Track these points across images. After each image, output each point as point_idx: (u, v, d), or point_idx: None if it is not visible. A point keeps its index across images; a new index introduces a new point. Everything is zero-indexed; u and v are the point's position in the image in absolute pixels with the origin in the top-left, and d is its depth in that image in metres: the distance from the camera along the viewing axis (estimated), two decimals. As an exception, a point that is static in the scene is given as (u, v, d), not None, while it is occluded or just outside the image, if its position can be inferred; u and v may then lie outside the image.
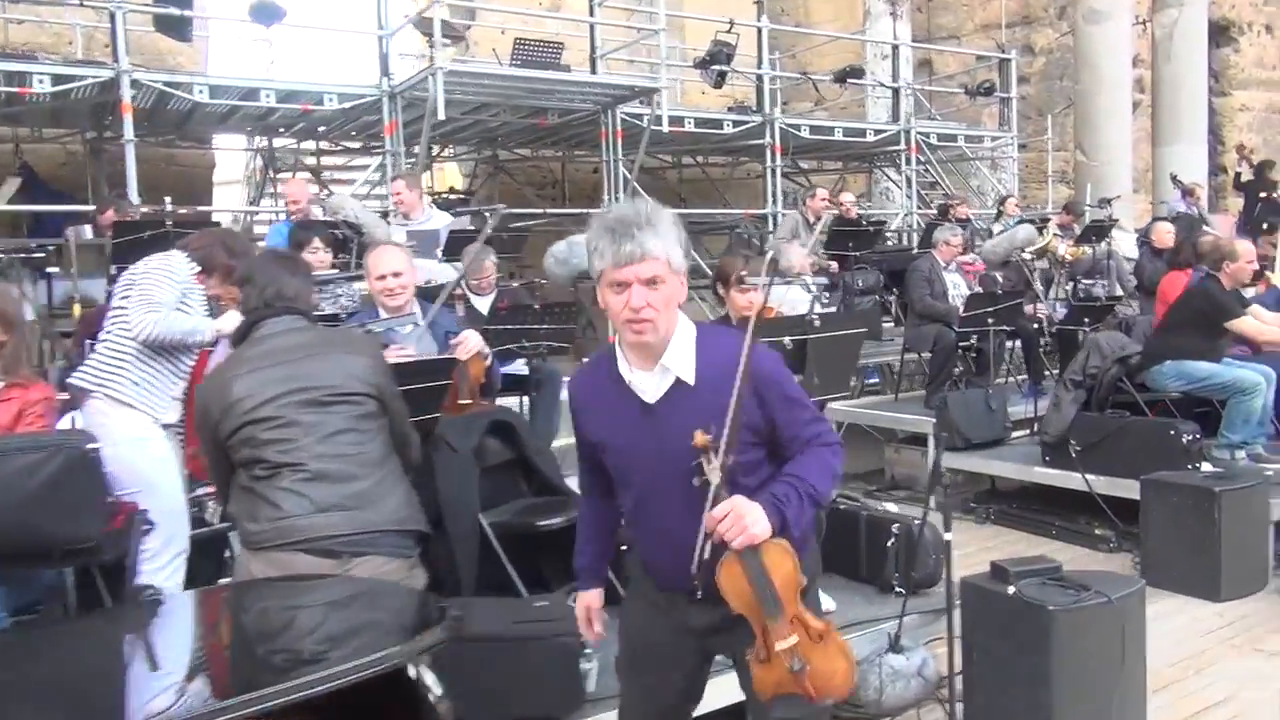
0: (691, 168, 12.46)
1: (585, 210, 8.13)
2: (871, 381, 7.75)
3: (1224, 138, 17.70)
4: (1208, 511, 4.13)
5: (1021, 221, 8.69)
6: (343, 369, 2.37)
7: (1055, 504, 5.42)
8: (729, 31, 9.37)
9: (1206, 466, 4.81)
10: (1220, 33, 17.52)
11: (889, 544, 3.48)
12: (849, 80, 10.30)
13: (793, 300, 5.47)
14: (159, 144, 10.18)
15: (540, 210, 9.74)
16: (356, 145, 10.48)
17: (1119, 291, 8.19)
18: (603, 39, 8.74)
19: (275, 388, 2.28)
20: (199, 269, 3.11)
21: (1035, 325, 6.76)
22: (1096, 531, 5.00)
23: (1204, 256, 5.41)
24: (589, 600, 2.13)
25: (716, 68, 9.32)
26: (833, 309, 6.55)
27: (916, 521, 3.46)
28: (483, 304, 5.08)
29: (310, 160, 11.22)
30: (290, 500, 2.19)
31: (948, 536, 3.01)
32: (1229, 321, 4.81)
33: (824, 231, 7.51)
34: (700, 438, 1.75)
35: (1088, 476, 4.98)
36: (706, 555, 1.79)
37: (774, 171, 9.75)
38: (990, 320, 6.03)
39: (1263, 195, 10.02)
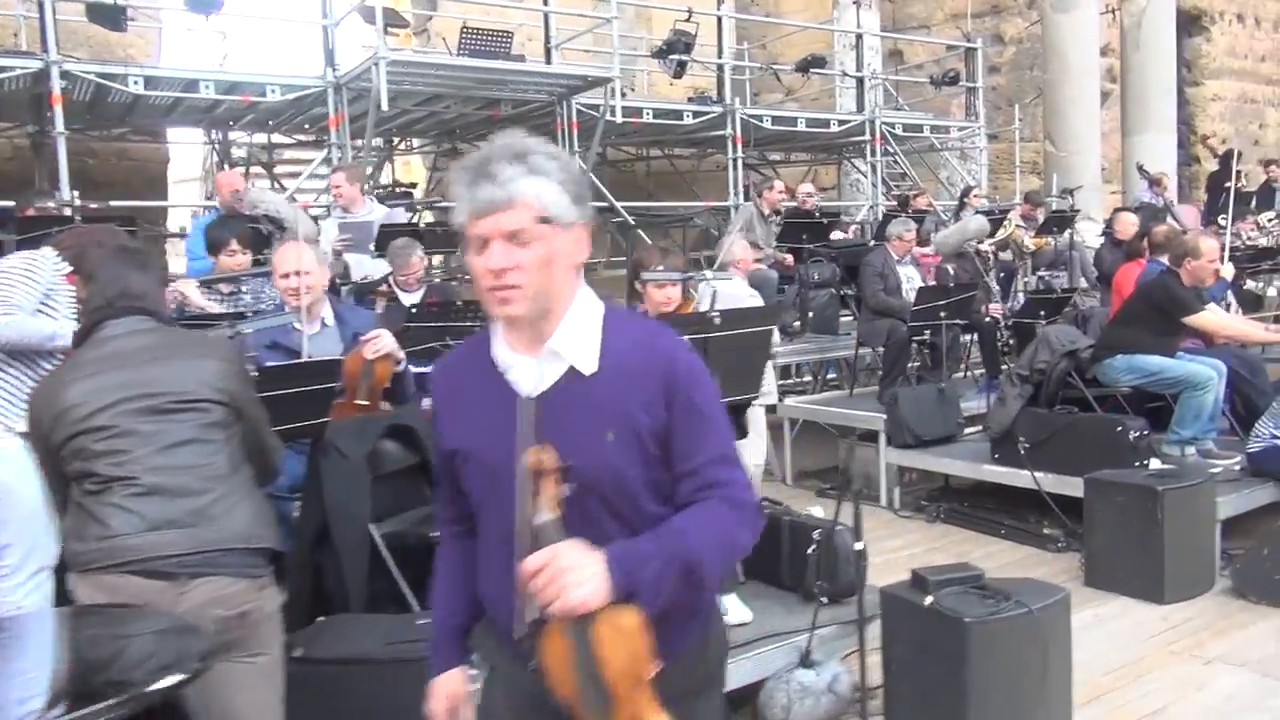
0: (659, 159, 12.28)
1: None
2: (831, 377, 7.61)
3: (1196, 127, 17.65)
4: (1150, 511, 3.99)
5: (979, 213, 8.56)
6: (190, 374, 2.18)
7: (1008, 502, 5.28)
8: (688, 20, 9.19)
9: (1156, 464, 4.68)
10: (1192, 22, 17.46)
11: (810, 551, 3.32)
12: (811, 70, 10.12)
13: (732, 295, 5.31)
14: (109, 138, 9.94)
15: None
16: (310, 139, 10.24)
17: (1082, 283, 8.07)
18: (559, 28, 8.54)
19: (112, 394, 2.10)
20: (70, 269, 2.91)
21: (991, 320, 6.64)
22: (1045, 531, 4.87)
23: (1159, 248, 5.27)
24: (449, 687, 1.61)
25: (674, 57, 9.15)
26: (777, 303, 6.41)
27: (839, 527, 3.31)
28: (410, 300, 4.89)
29: (267, 155, 10.99)
30: (119, 517, 2.01)
31: (858, 546, 2.85)
32: (1188, 317, 4.68)
33: (777, 225, 7.35)
34: (535, 456, 1.32)
35: (1036, 474, 4.85)
36: (535, 615, 1.34)
37: (736, 163, 9.57)
38: (942, 314, 5.89)
39: (1226, 185, 9.89)
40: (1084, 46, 12.93)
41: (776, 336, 4.84)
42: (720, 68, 9.59)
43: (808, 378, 8.01)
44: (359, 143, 7.68)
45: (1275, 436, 4.42)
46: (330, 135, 7.63)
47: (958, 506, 5.44)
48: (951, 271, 6.82)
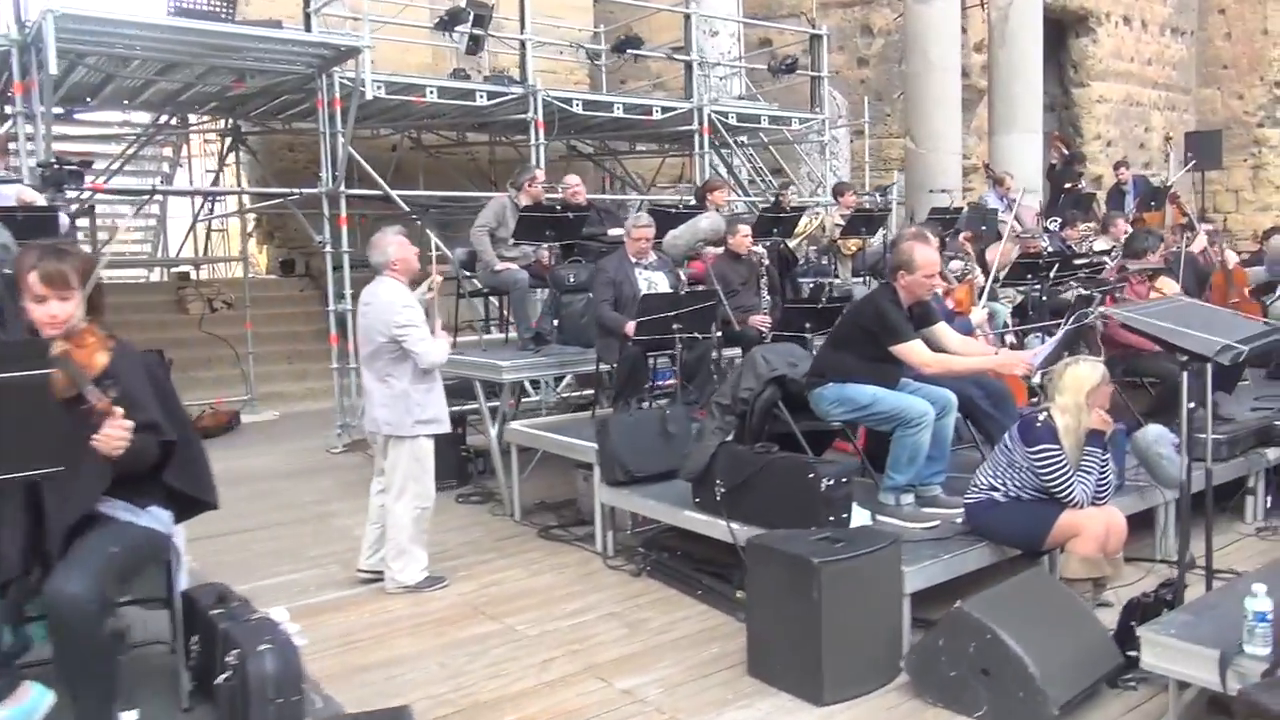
0: (482, 146, 11.31)
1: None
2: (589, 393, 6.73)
3: (1082, 129, 17.29)
4: (806, 589, 3.16)
5: (810, 210, 7.79)
6: None
7: (726, 552, 4.45)
8: (486, -10, 8.25)
9: (864, 517, 3.88)
10: (1078, 23, 17.07)
11: (224, 680, 2.35)
12: (628, 51, 9.23)
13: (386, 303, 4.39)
14: None
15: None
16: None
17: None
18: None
19: None
20: None
21: (758, 332, 5.83)
22: (739, 595, 4.02)
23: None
24: None
25: (461, 30, 8.18)
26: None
27: (264, 648, 2.36)
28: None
29: None
30: None
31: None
32: (892, 345, 3.86)
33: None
34: None
35: (732, 525, 4.01)
36: None
37: (539, 149, 8.63)
38: (675, 326, 5.04)
39: (1067, 186, 9.32)
40: (945, 40, 12.28)
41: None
42: (522, 45, 8.63)
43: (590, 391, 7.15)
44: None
45: (994, 489, 3.63)
46: (15, 102, 6.50)
47: (670, 557, 4.59)
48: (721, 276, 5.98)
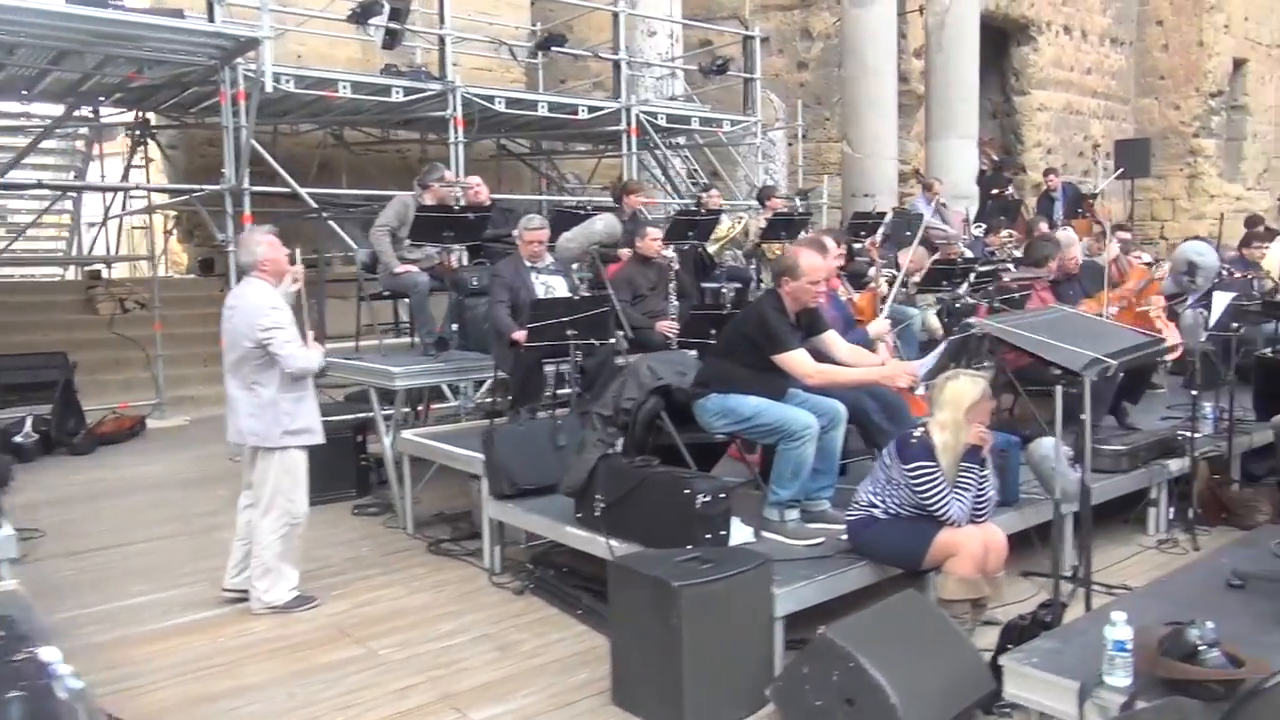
0: (412, 144, 11.03)
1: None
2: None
3: (1023, 137, 17.40)
4: (665, 613, 2.99)
5: (734, 214, 7.64)
6: None
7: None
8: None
9: (744, 534, 3.72)
10: (1020, 31, 17.18)
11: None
12: (552, 49, 9.02)
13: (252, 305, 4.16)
14: None
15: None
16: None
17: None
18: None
19: None
20: None
21: (664, 338, 5.66)
22: (616, 616, 3.84)
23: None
24: None
25: (374, 22, 7.92)
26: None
27: None
28: None
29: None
30: None
31: None
32: (774, 354, 3.70)
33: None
34: None
35: (612, 542, 3.82)
36: None
37: (458, 147, 8.40)
38: (569, 332, 4.83)
39: (994, 192, 9.29)
40: (881, 44, 12.24)
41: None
42: (441, 41, 8.39)
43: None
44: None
45: (873, 505, 3.48)
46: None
47: (554, 575, 4.39)
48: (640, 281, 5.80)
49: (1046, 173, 11.13)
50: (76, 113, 9.53)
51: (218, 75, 7.25)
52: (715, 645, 3.05)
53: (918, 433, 3.37)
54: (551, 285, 5.31)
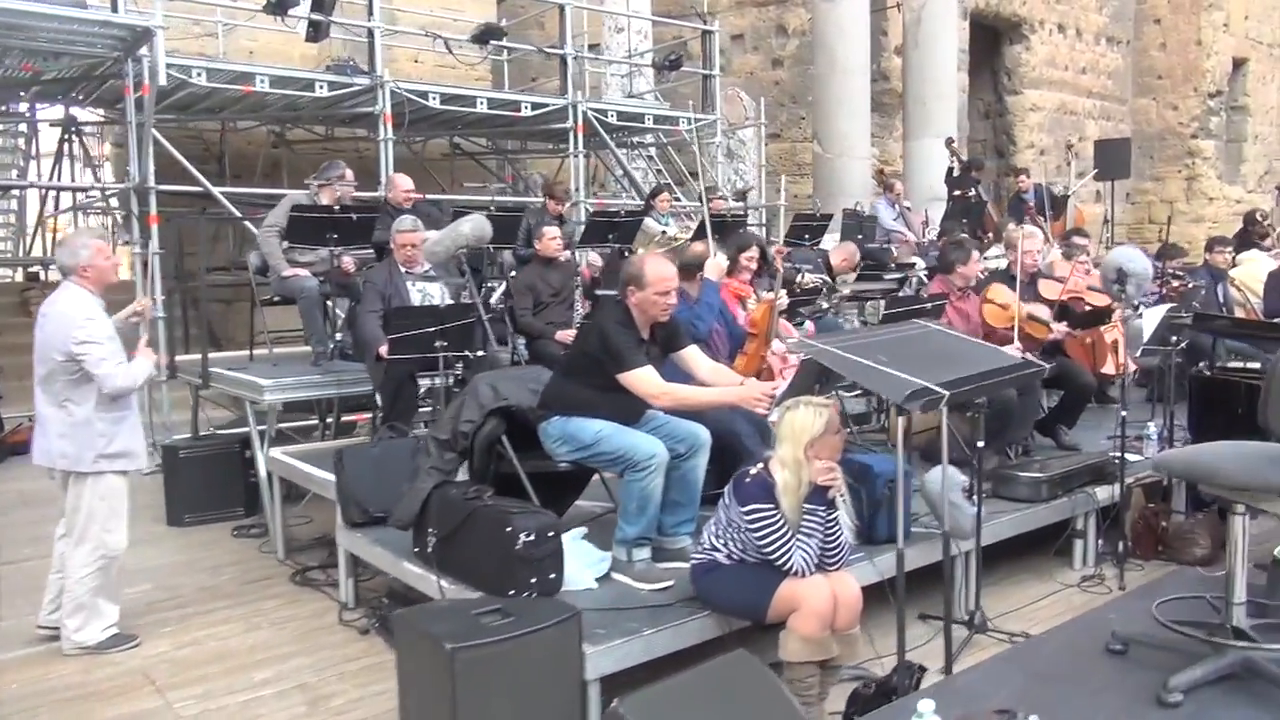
0: (368, 142, 10.61)
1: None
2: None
3: (1015, 137, 16.91)
4: (440, 680, 2.57)
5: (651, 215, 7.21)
6: None
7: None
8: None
9: (583, 578, 3.30)
10: (1012, 30, 16.70)
11: None
12: (490, 42, 8.60)
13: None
14: None
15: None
16: None
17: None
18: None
19: None
20: None
21: (564, 350, 5.24)
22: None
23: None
24: None
25: (295, 14, 7.54)
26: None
27: None
28: None
29: None
30: None
31: None
32: (617, 373, 3.27)
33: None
34: None
35: (442, 582, 3.41)
36: None
37: (387, 145, 8.00)
38: (439, 343, 4.43)
39: (956, 193, 8.83)
40: (852, 41, 11.77)
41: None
42: (370, 34, 7.99)
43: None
44: None
45: (716, 548, 3.05)
46: None
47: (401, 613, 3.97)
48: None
49: (1018, 173, 10.65)
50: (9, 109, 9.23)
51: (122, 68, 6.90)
52: (503, 713, 2.63)
53: (755, 470, 2.93)
54: (429, 292, 4.90)
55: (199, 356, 6.07)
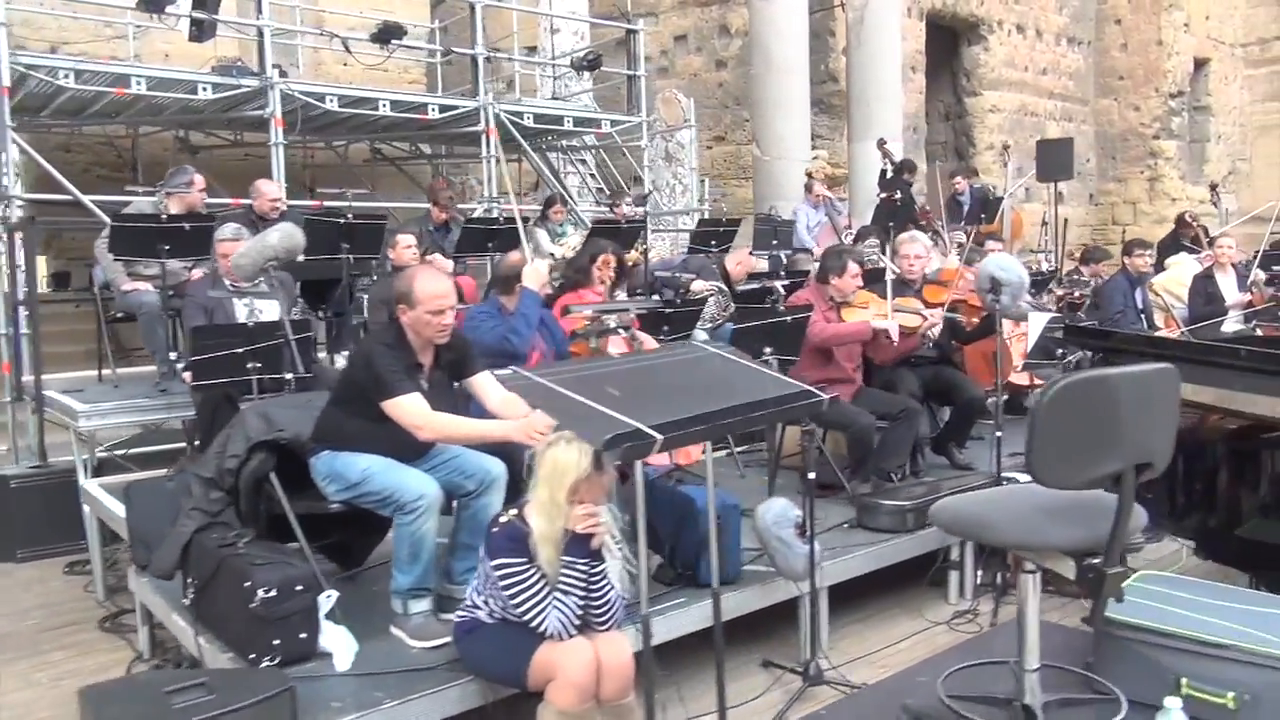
0: (258, 145, 10.20)
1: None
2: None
3: (975, 139, 16.61)
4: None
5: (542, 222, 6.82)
6: None
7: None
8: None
9: (340, 637, 2.90)
10: (969, 30, 16.42)
11: None
12: (390, 41, 8.21)
13: None
14: None
15: None
16: None
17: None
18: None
19: None
20: None
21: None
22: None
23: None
24: None
25: (174, 10, 7.13)
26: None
27: None
28: None
29: None
30: None
31: None
32: (380, 401, 2.89)
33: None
34: None
35: (201, 640, 3.01)
36: None
37: (278, 149, 7.60)
38: (252, 365, 4.03)
39: (883, 195, 8.48)
40: (789, 40, 11.41)
41: None
42: (260, 33, 7.59)
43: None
44: None
45: (478, 605, 2.66)
46: None
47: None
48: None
49: (953, 174, 10.31)
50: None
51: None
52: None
53: (506, 517, 2.55)
54: (260, 309, 4.49)
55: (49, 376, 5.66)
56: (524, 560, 2.48)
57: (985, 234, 8.40)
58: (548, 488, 2.46)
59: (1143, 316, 6.17)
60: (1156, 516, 3.20)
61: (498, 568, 2.50)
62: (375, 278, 5.75)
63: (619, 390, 2.06)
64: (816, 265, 4.86)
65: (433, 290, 2.93)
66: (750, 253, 7.00)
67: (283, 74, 8.41)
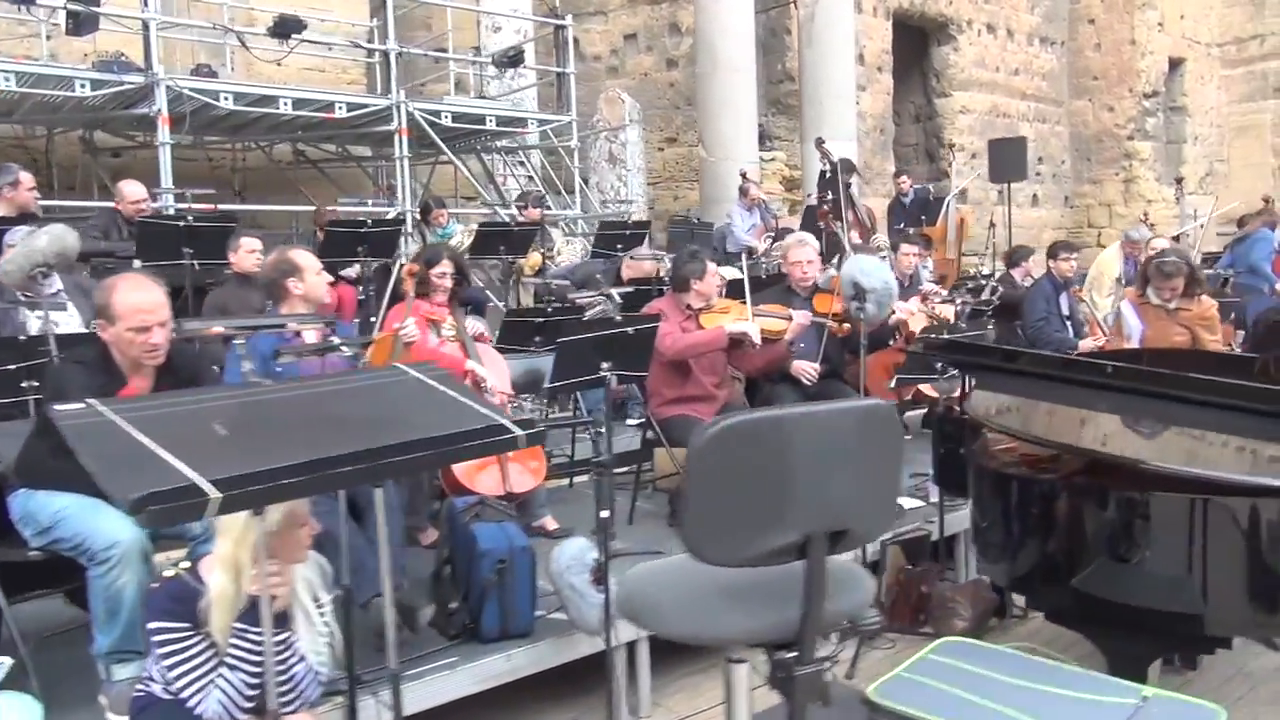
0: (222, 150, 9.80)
1: None
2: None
3: (944, 140, 16.20)
4: None
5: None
6: None
7: None
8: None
9: (28, 710, 2.45)
10: (939, 30, 16.04)
11: None
12: (293, 37, 7.79)
13: None
14: None
15: None
16: None
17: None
18: None
19: None
20: None
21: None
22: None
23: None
24: None
25: (52, 3, 6.72)
26: None
27: None
28: None
29: None
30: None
31: None
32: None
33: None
34: None
35: None
36: None
37: (165, 149, 7.17)
38: (24, 384, 3.59)
39: (819, 195, 8.05)
40: (735, 38, 11.00)
41: None
42: (145, 26, 7.17)
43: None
44: None
45: (153, 678, 2.21)
46: None
47: None
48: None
49: (897, 174, 9.90)
50: None
51: None
52: None
53: (171, 572, 2.11)
54: (57, 321, 4.04)
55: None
56: (187, 626, 2.04)
57: (924, 235, 8.01)
58: (233, 541, 2.02)
59: (1069, 324, 5.74)
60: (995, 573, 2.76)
61: (154, 632, 2.06)
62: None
63: (228, 429, 1.63)
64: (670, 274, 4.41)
65: (135, 303, 2.49)
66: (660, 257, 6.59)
67: (211, 73, 8.00)
